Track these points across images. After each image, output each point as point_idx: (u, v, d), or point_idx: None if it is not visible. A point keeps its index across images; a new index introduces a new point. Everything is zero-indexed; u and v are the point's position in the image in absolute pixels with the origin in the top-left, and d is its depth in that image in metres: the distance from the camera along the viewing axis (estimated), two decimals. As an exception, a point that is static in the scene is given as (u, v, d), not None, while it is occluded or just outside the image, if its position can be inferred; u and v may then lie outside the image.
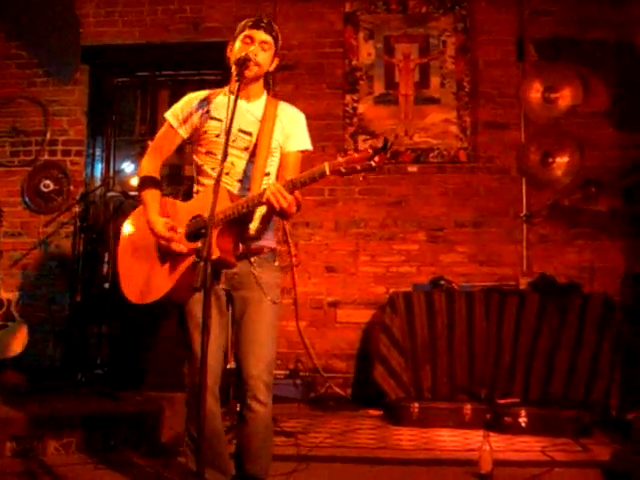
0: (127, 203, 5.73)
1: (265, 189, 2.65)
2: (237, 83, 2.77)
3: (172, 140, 3.04)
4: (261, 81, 3.00)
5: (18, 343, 5.35)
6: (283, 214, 2.73)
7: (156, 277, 2.87)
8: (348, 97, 6.01)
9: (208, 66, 6.13)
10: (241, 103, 2.91)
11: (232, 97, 2.72)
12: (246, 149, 2.92)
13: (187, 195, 3.05)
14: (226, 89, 2.95)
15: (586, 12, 5.80)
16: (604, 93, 5.76)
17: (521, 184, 5.76)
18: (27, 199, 6.14)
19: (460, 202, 5.84)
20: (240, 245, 2.85)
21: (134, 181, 6.39)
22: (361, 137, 5.94)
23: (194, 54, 6.15)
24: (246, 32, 2.89)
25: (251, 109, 2.96)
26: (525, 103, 5.62)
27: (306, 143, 3.02)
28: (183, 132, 3.01)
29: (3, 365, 5.29)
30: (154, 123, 6.48)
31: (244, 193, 2.85)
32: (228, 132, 2.67)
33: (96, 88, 6.30)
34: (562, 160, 5.49)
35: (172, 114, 3.03)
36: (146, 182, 2.98)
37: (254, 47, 2.87)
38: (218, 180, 2.55)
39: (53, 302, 5.99)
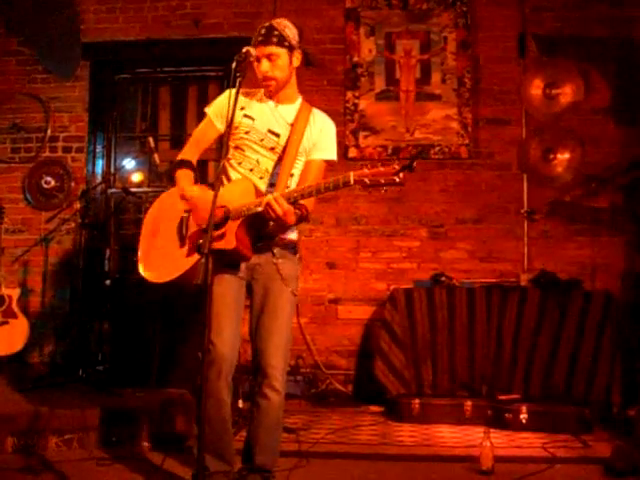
0: (128, 200, 5.75)
1: (266, 196, 2.73)
2: (238, 78, 2.80)
3: (210, 133, 3.13)
4: (292, 83, 3.07)
5: (19, 339, 5.36)
6: (279, 223, 2.79)
7: (175, 258, 2.94)
8: (349, 93, 6.00)
9: (209, 62, 6.14)
10: (272, 105, 3.04)
11: (235, 95, 2.77)
12: (272, 149, 3.01)
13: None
14: (261, 92, 3.05)
15: (587, 8, 5.79)
16: (605, 89, 5.76)
17: (522, 180, 5.76)
18: (28, 196, 6.15)
19: (461, 198, 5.84)
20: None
21: (135, 177, 6.40)
22: (362, 133, 5.93)
23: (195, 50, 6.14)
24: (253, 54, 2.91)
25: (283, 112, 3.05)
26: (526, 99, 5.61)
27: (332, 154, 3.11)
28: (220, 126, 3.08)
29: (7, 361, 5.30)
30: (155, 119, 6.49)
31: (267, 190, 2.93)
32: (230, 125, 2.75)
33: (97, 84, 6.29)
34: (563, 156, 5.48)
35: (212, 108, 3.12)
36: (181, 163, 3.10)
37: (263, 65, 2.94)
38: (219, 175, 2.63)
39: (54, 298, 6.00)
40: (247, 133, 2.98)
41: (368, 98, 5.98)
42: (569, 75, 5.48)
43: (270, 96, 3.02)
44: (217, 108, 3.09)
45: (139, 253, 3.11)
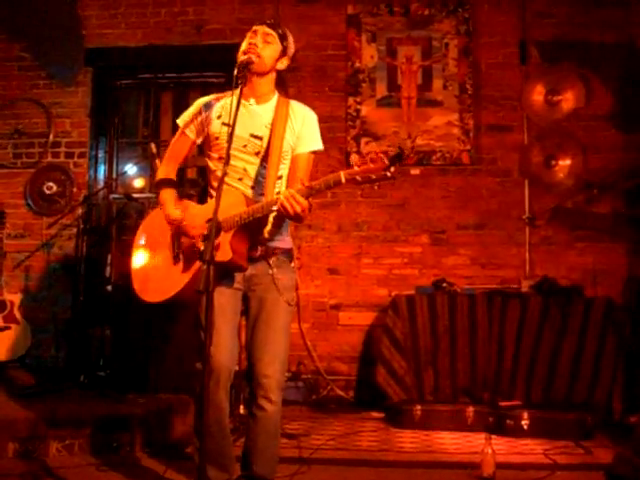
0: (130, 205, 5.75)
1: (279, 195, 2.68)
2: (239, 87, 2.79)
3: (185, 145, 3.09)
4: (270, 80, 3.01)
5: (21, 344, 5.36)
6: (296, 219, 2.75)
7: (169, 276, 2.92)
8: (351, 99, 6.02)
9: (211, 68, 6.15)
10: (251, 105, 2.97)
11: (234, 100, 2.76)
12: (257, 154, 2.94)
13: (201, 198, 3.10)
14: (235, 94, 2.89)
15: (588, 14, 5.80)
16: (606, 96, 5.76)
17: (524, 186, 5.76)
18: (30, 201, 6.15)
19: (462, 204, 5.85)
20: (259, 247, 2.89)
21: (137, 183, 6.40)
22: (364, 139, 5.94)
23: (197, 56, 6.16)
24: (252, 29, 2.94)
25: (261, 112, 2.98)
26: (528, 106, 5.62)
27: (317, 143, 3.05)
28: (194, 137, 3.06)
29: (10, 366, 5.29)
30: (157, 125, 6.49)
31: (258, 198, 2.87)
32: (230, 136, 2.69)
33: (99, 90, 6.31)
34: (565, 162, 5.49)
35: (183, 120, 3.08)
36: (162, 183, 3.07)
37: (257, 38, 2.91)
38: (220, 184, 2.60)
39: (56, 304, 6.00)
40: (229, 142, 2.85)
41: (370, 104, 5.99)
42: (570, 81, 5.50)
43: (242, 84, 2.82)
44: (188, 119, 3.04)
45: (133, 277, 3.08)
